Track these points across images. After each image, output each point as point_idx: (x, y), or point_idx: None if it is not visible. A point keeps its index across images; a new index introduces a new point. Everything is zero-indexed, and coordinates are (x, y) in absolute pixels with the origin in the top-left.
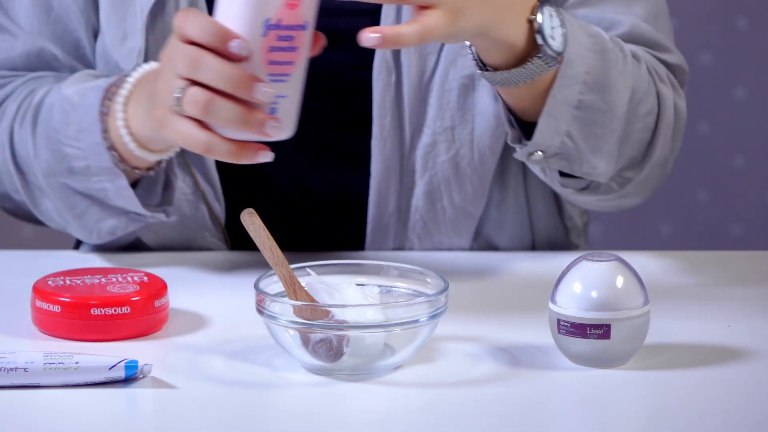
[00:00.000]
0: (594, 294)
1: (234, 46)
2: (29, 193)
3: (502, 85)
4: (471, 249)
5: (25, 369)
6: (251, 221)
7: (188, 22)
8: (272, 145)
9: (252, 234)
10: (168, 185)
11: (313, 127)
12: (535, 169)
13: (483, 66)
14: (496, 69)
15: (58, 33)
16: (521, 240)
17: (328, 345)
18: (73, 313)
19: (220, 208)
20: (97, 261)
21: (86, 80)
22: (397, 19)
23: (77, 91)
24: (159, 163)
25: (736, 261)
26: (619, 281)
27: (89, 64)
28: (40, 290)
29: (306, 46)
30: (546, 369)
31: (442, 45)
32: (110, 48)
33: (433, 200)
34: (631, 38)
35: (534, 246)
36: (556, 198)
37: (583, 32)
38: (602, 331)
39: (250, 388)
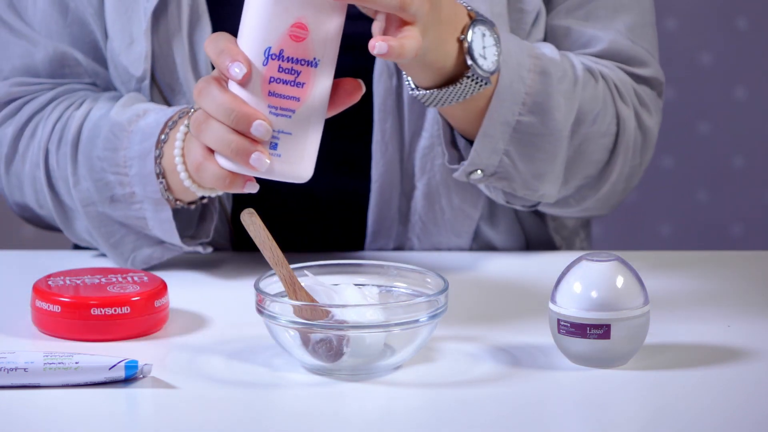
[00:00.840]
0: (594, 294)
1: (233, 69)
2: (62, 214)
3: (435, 105)
4: (470, 249)
5: (25, 369)
6: (251, 221)
7: (211, 43)
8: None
9: (252, 234)
10: (205, 217)
11: None
12: (480, 187)
13: (415, 86)
14: (427, 89)
15: (76, 35)
16: (517, 241)
17: (328, 345)
18: (73, 313)
19: (229, 207)
20: (97, 261)
21: (134, 104)
22: None
23: (129, 117)
24: (202, 198)
25: (736, 261)
26: (619, 281)
27: (107, 67)
28: (40, 290)
29: (318, 85)
30: (546, 369)
31: None
32: (118, 53)
33: (431, 202)
34: (608, 55)
35: (528, 247)
36: None
37: (524, 53)
38: (602, 331)
39: (250, 388)
